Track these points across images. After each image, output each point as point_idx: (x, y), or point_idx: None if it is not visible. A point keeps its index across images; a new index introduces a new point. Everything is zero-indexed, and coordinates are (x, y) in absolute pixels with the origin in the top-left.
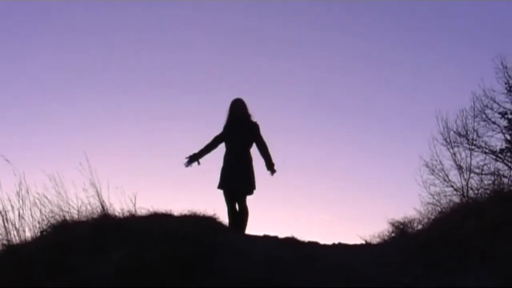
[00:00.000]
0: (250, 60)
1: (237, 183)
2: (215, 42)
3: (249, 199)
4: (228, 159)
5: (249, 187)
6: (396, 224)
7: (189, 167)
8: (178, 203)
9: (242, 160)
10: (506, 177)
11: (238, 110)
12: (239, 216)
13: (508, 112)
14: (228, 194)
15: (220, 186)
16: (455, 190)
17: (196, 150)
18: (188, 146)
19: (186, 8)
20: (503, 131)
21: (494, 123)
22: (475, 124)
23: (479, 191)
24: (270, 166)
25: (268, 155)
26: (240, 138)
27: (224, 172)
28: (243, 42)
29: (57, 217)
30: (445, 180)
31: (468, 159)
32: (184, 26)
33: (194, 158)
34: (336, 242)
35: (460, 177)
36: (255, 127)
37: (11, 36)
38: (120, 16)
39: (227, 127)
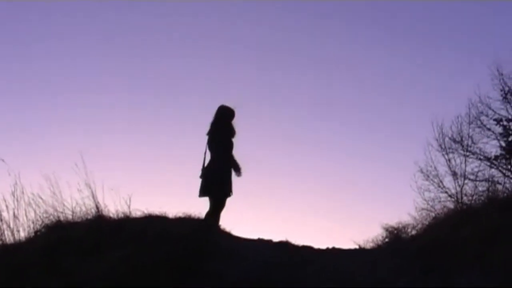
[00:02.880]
0: (247, 65)
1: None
2: (211, 46)
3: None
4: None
5: None
6: (390, 229)
7: None
8: (173, 206)
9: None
10: (500, 183)
11: (228, 117)
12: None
13: (503, 119)
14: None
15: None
16: (450, 196)
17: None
18: (184, 148)
19: (187, 12)
20: (498, 138)
21: (489, 129)
22: (470, 130)
23: (474, 198)
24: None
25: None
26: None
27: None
28: (240, 47)
29: (51, 217)
30: (439, 186)
31: (463, 165)
32: (180, 30)
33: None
34: (330, 246)
35: (455, 183)
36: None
37: (8, 38)
38: (118, 19)
39: (232, 134)
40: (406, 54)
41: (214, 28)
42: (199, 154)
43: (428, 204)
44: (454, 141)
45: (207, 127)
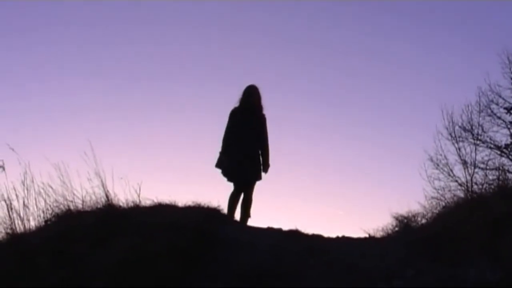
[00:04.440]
0: (258, 54)
1: (247, 175)
2: (221, 35)
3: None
4: (237, 149)
5: (259, 176)
6: (400, 218)
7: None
8: (182, 194)
9: (252, 152)
10: (510, 172)
11: (252, 98)
12: (244, 204)
13: None
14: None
15: (229, 178)
16: (460, 185)
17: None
18: (192, 137)
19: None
20: (508, 126)
21: (499, 118)
22: (480, 119)
23: (484, 186)
24: (265, 167)
25: (266, 154)
26: (251, 128)
27: (235, 163)
28: (249, 36)
29: (61, 206)
30: (449, 175)
31: (473, 154)
32: (189, 19)
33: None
34: (340, 235)
35: (465, 172)
36: (263, 120)
37: (15, 29)
38: (125, 6)
39: (240, 115)
40: (416, 41)
41: (229, 13)
42: (209, 141)
43: (438, 193)
44: (464, 129)
45: (231, 105)
